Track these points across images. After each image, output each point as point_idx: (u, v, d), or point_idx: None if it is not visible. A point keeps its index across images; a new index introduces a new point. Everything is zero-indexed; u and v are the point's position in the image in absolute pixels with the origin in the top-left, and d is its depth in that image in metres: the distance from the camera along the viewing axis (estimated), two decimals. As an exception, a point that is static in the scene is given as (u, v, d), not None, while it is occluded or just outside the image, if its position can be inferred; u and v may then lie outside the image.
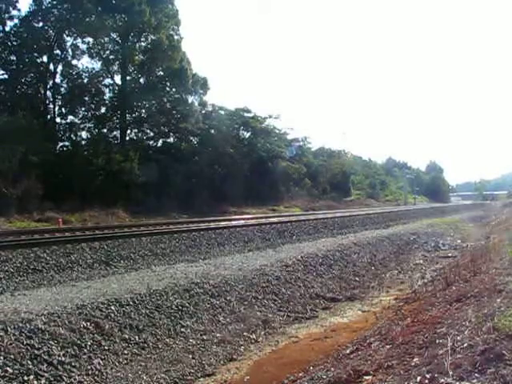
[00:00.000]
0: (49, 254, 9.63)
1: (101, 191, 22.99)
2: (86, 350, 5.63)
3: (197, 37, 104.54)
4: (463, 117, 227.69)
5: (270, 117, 39.65)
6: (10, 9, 27.34)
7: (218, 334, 7.00)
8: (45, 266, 9.15)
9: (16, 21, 27.62)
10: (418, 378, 3.06)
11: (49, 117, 28.72)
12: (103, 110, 31.61)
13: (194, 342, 6.63)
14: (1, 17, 27.09)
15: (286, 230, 16.62)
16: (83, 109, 30.37)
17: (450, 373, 2.91)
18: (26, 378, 4.83)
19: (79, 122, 30.25)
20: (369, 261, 13.57)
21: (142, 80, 32.19)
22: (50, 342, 5.47)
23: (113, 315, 6.49)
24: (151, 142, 33.76)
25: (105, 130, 31.44)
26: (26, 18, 27.70)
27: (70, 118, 29.85)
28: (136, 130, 33.03)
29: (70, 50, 29.56)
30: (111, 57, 31.36)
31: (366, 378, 3.79)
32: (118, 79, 31.38)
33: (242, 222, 18.40)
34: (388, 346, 4.63)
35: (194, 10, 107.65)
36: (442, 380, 2.87)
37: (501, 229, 18.50)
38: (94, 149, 27.20)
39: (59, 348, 5.44)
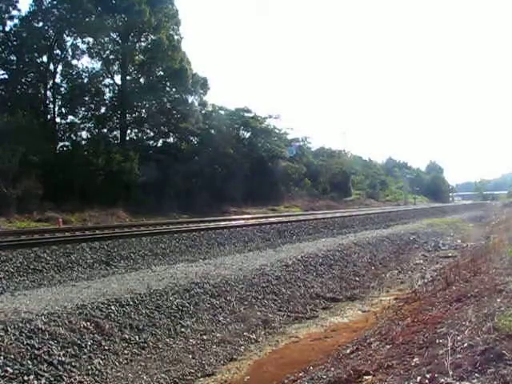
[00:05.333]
0: (49, 254, 9.63)
1: (101, 191, 23.00)
2: (86, 350, 5.63)
3: (197, 37, 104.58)
4: (463, 117, 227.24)
5: (270, 117, 39.74)
6: (10, 9, 27.36)
7: (218, 334, 7.00)
8: (45, 266, 9.15)
9: (16, 21, 27.69)
10: (418, 378, 3.06)
11: (49, 117, 28.72)
12: (103, 110, 31.62)
13: (194, 342, 6.63)
14: (1, 17, 27.09)
15: (286, 230, 16.62)
16: (83, 109, 30.38)
17: (450, 373, 2.91)
18: (25, 378, 4.83)
19: (79, 121, 30.26)
20: (369, 261, 13.57)
21: (142, 80, 32.20)
22: (50, 341, 5.47)
23: (113, 315, 6.49)
24: (151, 142, 33.81)
25: (105, 130, 31.45)
26: (26, 18, 27.69)
27: (70, 117, 29.91)
28: (136, 130, 33.06)
29: (70, 50, 29.59)
30: (111, 57, 31.35)
31: (366, 377, 3.79)
32: (118, 79, 31.45)
33: (242, 221, 18.40)
34: (388, 346, 4.63)
35: (194, 10, 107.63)
36: (442, 380, 2.87)
37: (501, 229, 18.48)
38: (94, 149, 27.20)
39: (59, 348, 5.44)
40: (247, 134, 38.30)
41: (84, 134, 30.90)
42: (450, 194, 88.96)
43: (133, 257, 10.78)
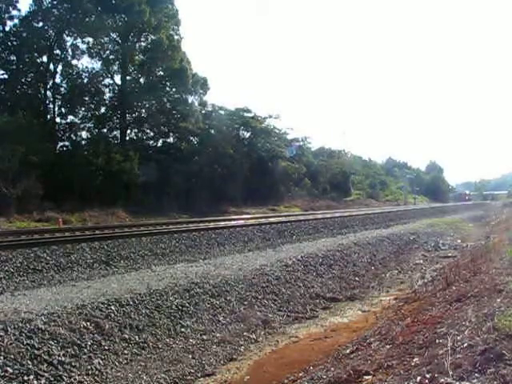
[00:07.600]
0: (49, 254, 9.63)
1: (101, 191, 22.98)
2: (86, 350, 5.63)
3: (197, 37, 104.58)
4: (463, 117, 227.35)
5: (270, 117, 39.66)
6: (10, 9, 27.33)
7: (218, 334, 7.00)
8: (45, 266, 9.15)
9: (16, 21, 27.66)
10: (418, 378, 3.06)
11: (49, 117, 28.70)
12: (103, 110, 31.59)
13: (194, 342, 6.63)
14: (1, 17, 27.08)
15: (285, 230, 16.62)
16: (83, 109, 30.35)
17: (450, 373, 2.91)
18: (25, 377, 4.83)
19: (79, 121, 30.24)
20: (369, 261, 13.57)
21: (142, 80, 32.18)
22: (50, 341, 5.47)
23: (113, 315, 6.49)
24: (151, 142, 33.80)
25: (105, 130, 31.42)
26: (26, 18, 27.67)
27: (70, 117, 29.87)
28: (136, 130, 33.04)
29: (69, 50, 29.56)
30: (111, 57, 31.34)
31: (366, 377, 3.79)
32: (118, 79, 31.42)
33: (241, 221, 18.39)
34: (388, 346, 4.63)
35: (194, 10, 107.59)
36: (442, 380, 2.87)
37: (501, 229, 18.49)
38: (94, 149, 27.18)
39: (59, 348, 5.45)
40: (247, 134, 38.28)
41: (84, 134, 30.94)
42: (467, 192, 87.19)
43: (133, 257, 10.78)
